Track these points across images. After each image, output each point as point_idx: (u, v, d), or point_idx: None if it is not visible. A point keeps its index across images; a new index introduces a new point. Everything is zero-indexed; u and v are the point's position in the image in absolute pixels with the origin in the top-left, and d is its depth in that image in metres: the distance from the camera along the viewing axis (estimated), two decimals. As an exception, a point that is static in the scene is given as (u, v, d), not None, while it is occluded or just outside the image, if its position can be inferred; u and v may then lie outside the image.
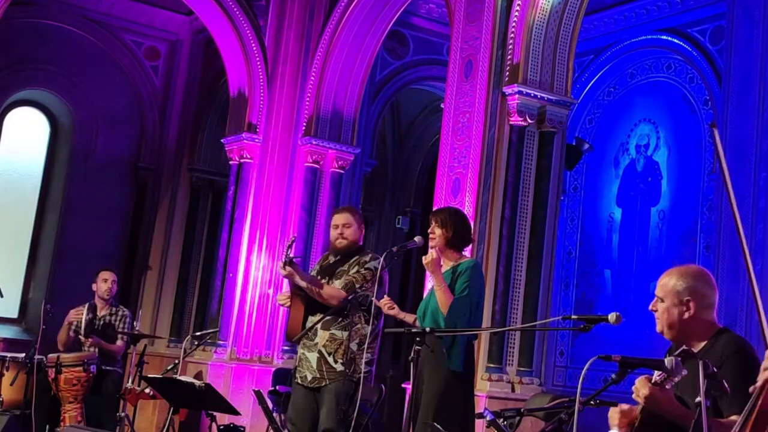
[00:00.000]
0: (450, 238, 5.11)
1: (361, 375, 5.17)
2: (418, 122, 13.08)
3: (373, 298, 5.28)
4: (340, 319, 5.33)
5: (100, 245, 11.44)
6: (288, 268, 5.24)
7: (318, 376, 5.32)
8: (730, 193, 2.84)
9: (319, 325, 5.35)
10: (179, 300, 11.63)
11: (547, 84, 7.60)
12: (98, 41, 11.73)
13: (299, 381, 5.40)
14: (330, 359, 5.30)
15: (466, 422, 4.99)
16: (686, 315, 3.25)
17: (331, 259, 5.59)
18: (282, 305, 5.60)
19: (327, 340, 5.34)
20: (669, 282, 3.31)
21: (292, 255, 5.28)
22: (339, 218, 5.58)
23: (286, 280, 5.58)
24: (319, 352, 5.33)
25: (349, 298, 5.26)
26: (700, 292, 3.27)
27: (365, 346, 5.31)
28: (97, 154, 11.77)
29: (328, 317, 5.33)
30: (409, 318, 5.32)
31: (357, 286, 5.33)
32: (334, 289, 5.32)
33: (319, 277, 5.47)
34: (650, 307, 3.35)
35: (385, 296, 5.26)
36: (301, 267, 5.59)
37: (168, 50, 12.14)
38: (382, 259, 5.17)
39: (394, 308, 5.22)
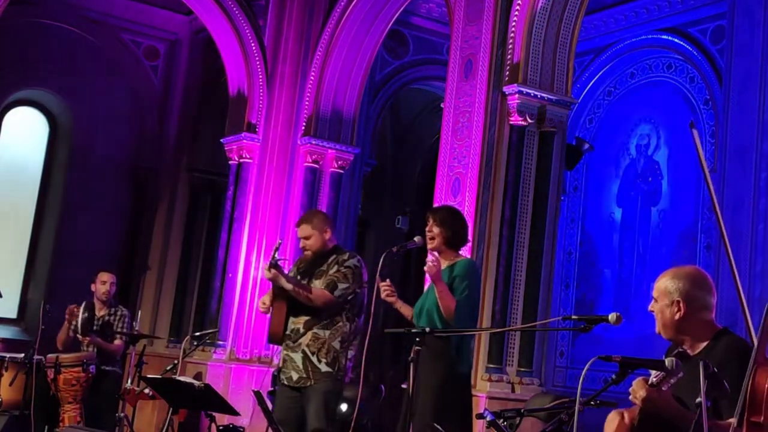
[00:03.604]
0: (449, 238, 5.08)
1: (359, 375, 5.17)
2: (418, 122, 13.07)
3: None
4: (322, 319, 5.36)
5: (100, 245, 11.43)
6: (273, 271, 5.26)
7: (304, 375, 5.35)
8: (713, 197, 2.85)
9: (300, 326, 5.38)
10: (178, 300, 11.61)
11: (547, 84, 7.59)
12: (97, 41, 11.72)
13: (285, 382, 5.43)
14: (314, 359, 5.34)
15: (464, 422, 4.98)
16: (677, 316, 3.28)
17: (307, 263, 5.61)
18: (263, 312, 5.60)
19: (310, 340, 5.38)
20: (662, 283, 3.34)
21: (278, 257, 5.29)
22: (299, 232, 5.60)
23: (268, 285, 5.61)
24: (303, 352, 5.36)
25: (337, 297, 5.28)
26: (691, 293, 3.28)
27: (347, 343, 5.35)
28: (97, 154, 11.75)
29: (309, 318, 5.35)
30: (405, 309, 5.27)
31: (339, 285, 5.35)
32: (319, 290, 5.35)
33: (299, 278, 5.49)
34: (649, 308, 3.38)
35: (387, 280, 5.10)
36: (287, 269, 5.62)
37: (167, 50, 12.13)
38: (381, 259, 5.15)
39: (392, 296, 5.07)
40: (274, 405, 5.56)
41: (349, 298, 5.41)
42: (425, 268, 4.93)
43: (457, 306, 4.90)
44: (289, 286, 5.32)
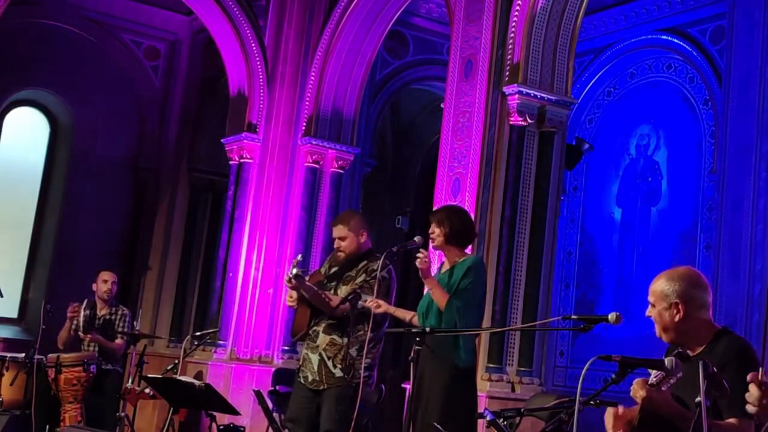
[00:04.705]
0: (448, 236, 5.12)
1: (360, 379, 5.19)
2: (417, 122, 13.07)
3: (370, 300, 5.29)
4: (343, 326, 5.39)
5: (100, 245, 11.43)
6: (294, 281, 5.31)
7: (318, 379, 5.39)
8: None
9: (320, 328, 5.41)
10: (179, 300, 11.62)
11: (547, 84, 7.59)
12: (98, 41, 11.72)
13: (301, 380, 5.47)
14: (329, 363, 5.37)
15: (471, 420, 5.00)
16: (677, 317, 3.27)
17: (338, 265, 5.63)
18: (290, 305, 5.67)
19: (327, 344, 5.41)
20: (658, 286, 3.33)
21: (297, 271, 5.33)
22: (334, 231, 5.59)
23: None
24: (320, 355, 5.40)
25: (349, 298, 5.29)
26: (688, 293, 3.28)
27: (365, 351, 5.34)
28: (97, 154, 11.75)
29: (330, 322, 5.38)
30: (399, 313, 5.31)
31: (363, 295, 5.35)
32: (329, 306, 5.37)
33: (326, 281, 5.52)
34: (646, 314, 3.37)
35: (369, 297, 5.22)
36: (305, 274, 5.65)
37: (167, 50, 12.13)
38: (381, 260, 5.17)
39: (380, 307, 5.17)
40: (290, 402, 5.61)
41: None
42: (416, 262, 4.99)
43: (449, 301, 4.93)
44: (307, 295, 5.37)
